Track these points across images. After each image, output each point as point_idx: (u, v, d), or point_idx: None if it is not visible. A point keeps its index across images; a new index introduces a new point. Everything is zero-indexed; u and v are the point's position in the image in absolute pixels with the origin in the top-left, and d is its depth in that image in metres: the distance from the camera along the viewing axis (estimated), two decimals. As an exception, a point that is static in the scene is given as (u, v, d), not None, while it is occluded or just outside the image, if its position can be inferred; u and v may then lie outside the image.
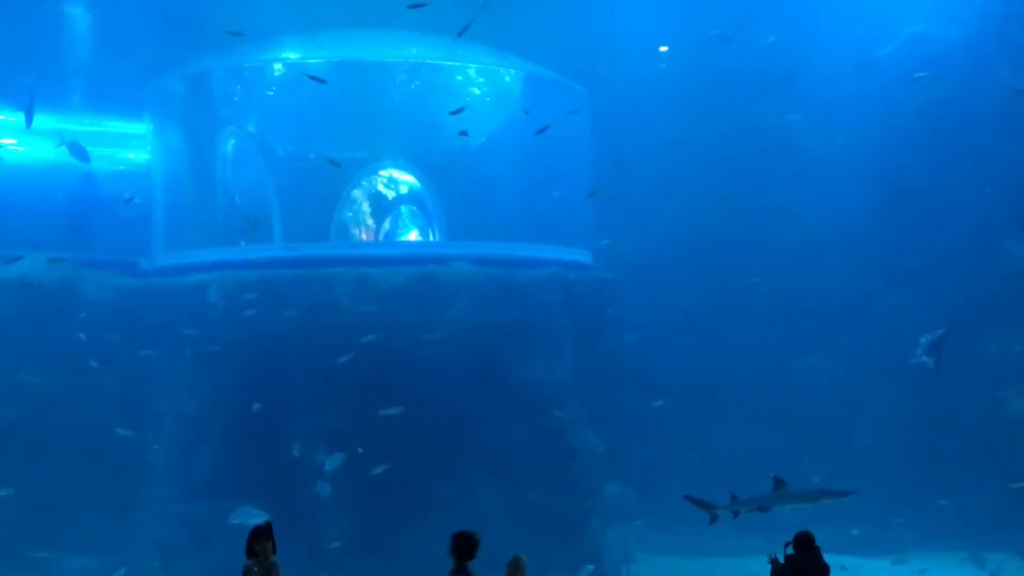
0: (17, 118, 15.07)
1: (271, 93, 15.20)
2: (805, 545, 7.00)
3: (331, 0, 15.92)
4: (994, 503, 14.77)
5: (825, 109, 16.92)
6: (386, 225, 16.57)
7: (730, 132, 17.07)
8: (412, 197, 16.31)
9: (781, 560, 7.16)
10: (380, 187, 16.36)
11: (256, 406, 13.03)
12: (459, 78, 15.36)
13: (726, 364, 16.75)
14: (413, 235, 16.47)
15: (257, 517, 11.05)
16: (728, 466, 15.82)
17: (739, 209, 16.68)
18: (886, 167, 16.57)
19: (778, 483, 9.83)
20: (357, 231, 16.38)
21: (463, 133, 12.79)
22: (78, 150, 14.95)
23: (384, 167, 16.14)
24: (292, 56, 15.14)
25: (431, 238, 15.97)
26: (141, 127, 16.41)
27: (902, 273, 16.45)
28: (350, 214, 16.17)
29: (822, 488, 10.56)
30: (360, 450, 12.86)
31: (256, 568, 6.23)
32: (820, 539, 7.09)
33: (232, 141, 15.57)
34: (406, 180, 16.26)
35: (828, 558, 7.10)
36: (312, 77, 12.95)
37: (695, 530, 11.19)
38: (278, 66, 15.07)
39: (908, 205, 16.67)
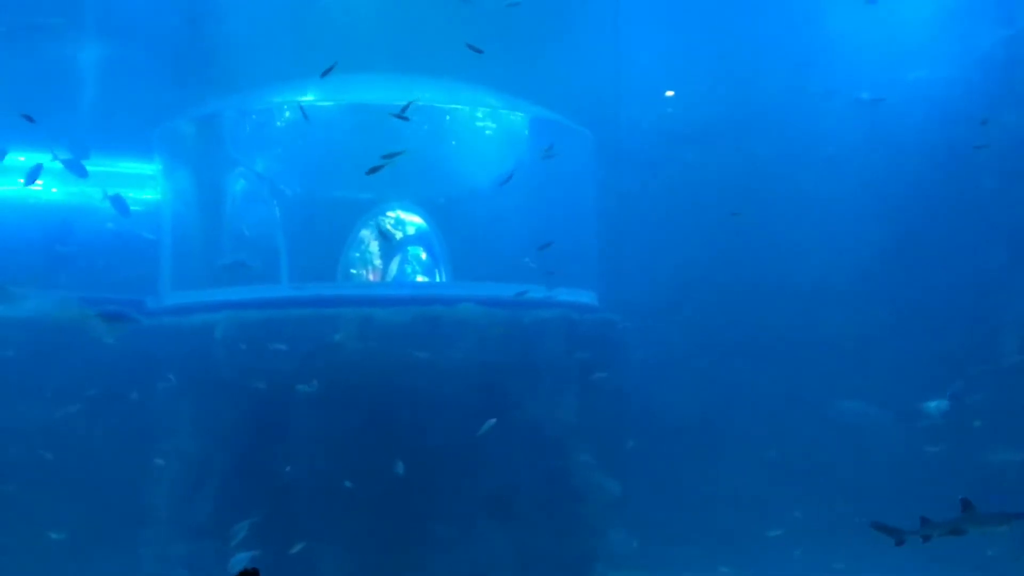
0: (28, 159, 15.30)
1: (280, 135, 15.37)
2: None
3: (338, 44, 16.13)
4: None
5: (830, 151, 17.01)
6: (393, 266, 16.67)
7: (735, 173, 17.16)
8: (419, 238, 16.42)
9: None
10: (387, 228, 16.47)
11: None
12: (466, 121, 15.50)
13: (734, 406, 16.65)
14: (419, 277, 16.56)
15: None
16: (736, 510, 15.80)
17: (745, 250, 16.73)
18: (892, 209, 16.61)
19: (966, 505, 9.63)
20: (364, 272, 16.47)
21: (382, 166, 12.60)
22: (120, 204, 15.20)
23: (391, 208, 16.27)
24: (301, 99, 15.33)
25: (437, 279, 16.04)
26: (151, 167, 16.63)
27: (908, 315, 16.43)
28: (357, 255, 16.27)
29: (1016, 511, 10.25)
30: (346, 476, 12.74)
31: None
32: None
33: (241, 182, 15.73)
34: (413, 221, 16.38)
35: None
36: (397, 115, 13.11)
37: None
38: (287, 109, 15.26)
39: (915, 248, 16.68)
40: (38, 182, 14.83)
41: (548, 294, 14.39)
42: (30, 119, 12.24)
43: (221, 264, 14.87)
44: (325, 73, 12.44)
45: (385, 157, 12.12)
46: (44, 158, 15.35)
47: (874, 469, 15.89)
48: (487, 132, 15.62)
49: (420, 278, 16.53)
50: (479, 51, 12.12)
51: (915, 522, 15.08)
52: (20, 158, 15.56)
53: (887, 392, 15.98)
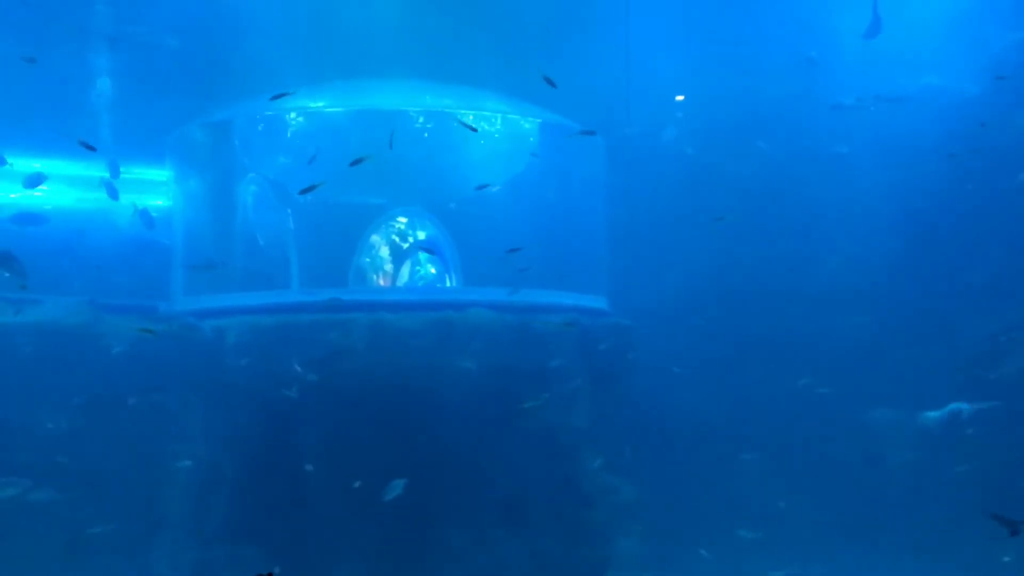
0: (42, 165, 15.40)
1: (291, 141, 15.42)
2: None
3: (350, 49, 16.22)
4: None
5: (841, 156, 17.01)
6: (404, 271, 16.70)
7: (747, 178, 17.18)
8: (430, 243, 16.44)
9: None
10: (397, 233, 16.52)
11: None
12: (476, 125, 15.52)
13: (746, 411, 16.66)
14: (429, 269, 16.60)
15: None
16: (749, 515, 15.78)
17: (757, 255, 16.75)
18: (904, 214, 16.60)
19: None
20: (375, 277, 16.50)
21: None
22: (147, 218, 15.41)
23: (402, 213, 16.30)
24: (311, 105, 15.38)
25: (448, 284, 16.07)
26: (163, 173, 16.70)
27: (922, 319, 16.40)
28: (368, 260, 16.30)
29: None
30: (357, 484, 12.77)
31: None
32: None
33: (252, 187, 15.78)
34: (424, 226, 16.40)
35: None
36: (465, 124, 13.14)
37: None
38: (297, 115, 15.31)
39: (928, 252, 16.66)
40: (43, 187, 14.98)
41: (514, 293, 14.36)
42: (91, 148, 12.41)
43: (189, 265, 14.95)
44: (275, 97, 12.52)
45: (352, 164, 12.19)
46: (52, 165, 15.55)
47: (892, 475, 15.89)
48: (498, 137, 15.64)
49: (430, 268, 16.56)
50: (553, 84, 12.10)
51: (930, 529, 15.20)
52: (35, 164, 15.64)
53: (902, 398, 15.96)
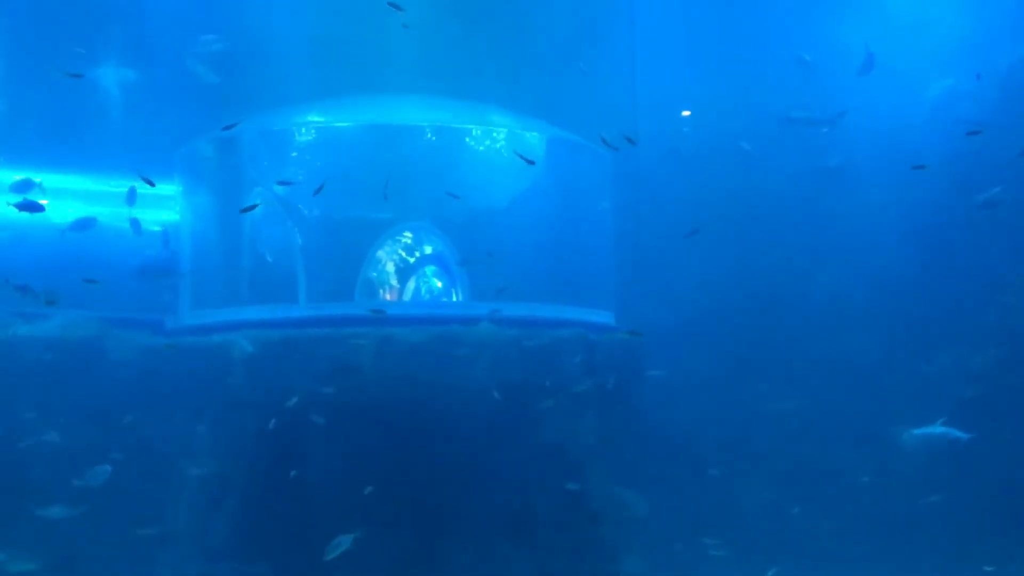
0: (44, 179, 15.51)
1: (298, 155, 15.48)
2: None
3: (358, 64, 16.29)
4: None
5: (849, 167, 17.02)
6: (410, 285, 16.73)
7: (754, 192, 17.20)
8: (436, 258, 16.48)
9: None
10: (404, 248, 16.55)
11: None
12: (483, 141, 15.57)
13: (752, 428, 16.61)
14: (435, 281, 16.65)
15: None
16: (759, 531, 15.75)
17: (764, 269, 16.76)
18: (912, 226, 16.60)
19: None
20: (381, 291, 16.53)
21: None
22: (167, 238, 15.85)
23: (408, 228, 16.34)
24: (319, 120, 15.44)
25: (454, 299, 16.08)
26: (171, 188, 16.77)
27: (932, 333, 16.38)
28: (374, 274, 16.33)
29: None
30: (367, 491, 12.73)
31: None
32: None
33: (260, 202, 15.83)
34: (430, 241, 16.44)
35: None
36: (523, 158, 13.32)
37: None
38: (305, 130, 15.38)
39: (937, 263, 16.65)
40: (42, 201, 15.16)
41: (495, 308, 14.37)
42: (150, 183, 12.69)
43: (142, 263, 15.26)
44: (228, 127, 12.86)
45: (316, 192, 12.48)
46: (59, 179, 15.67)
47: (899, 488, 15.83)
48: (504, 152, 15.68)
49: (436, 283, 16.59)
50: (633, 142, 12.21)
51: (937, 550, 15.13)
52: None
53: (909, 413, 15.90)
